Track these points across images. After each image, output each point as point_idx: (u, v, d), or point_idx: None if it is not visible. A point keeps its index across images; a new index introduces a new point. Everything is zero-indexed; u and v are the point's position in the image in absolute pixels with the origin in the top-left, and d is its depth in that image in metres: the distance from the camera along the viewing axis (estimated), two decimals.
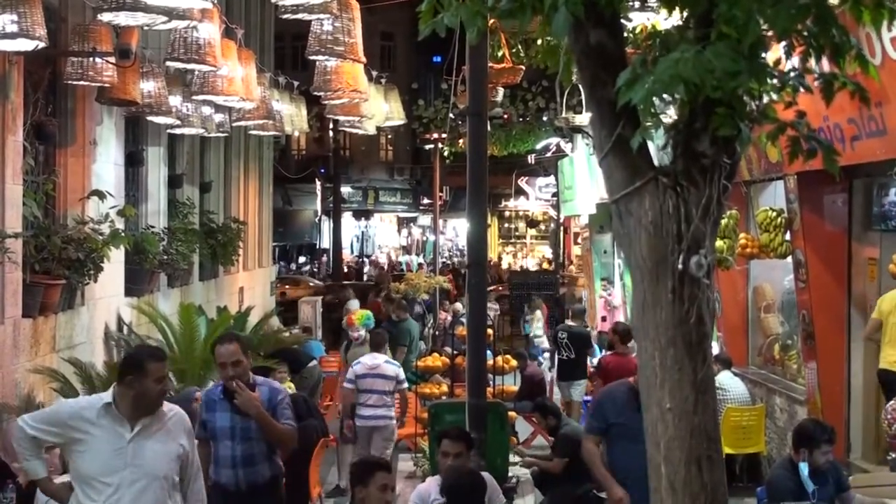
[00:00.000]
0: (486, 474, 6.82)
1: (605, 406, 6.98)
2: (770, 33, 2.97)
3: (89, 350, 9.99)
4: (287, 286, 31.45)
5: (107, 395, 5.13)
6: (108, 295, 10.59)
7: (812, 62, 3.10)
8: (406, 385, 10.94)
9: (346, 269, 36.67)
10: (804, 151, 3.17)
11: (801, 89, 3.18)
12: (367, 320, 13.60)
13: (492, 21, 6.17)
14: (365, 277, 35.70)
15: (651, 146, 3.34)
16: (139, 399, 5.08)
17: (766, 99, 3.19)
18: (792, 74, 3.15)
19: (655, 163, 3.36)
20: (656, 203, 3.25)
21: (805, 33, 2.99)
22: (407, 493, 8.49)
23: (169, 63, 8.18)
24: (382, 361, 10.76)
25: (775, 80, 3.10)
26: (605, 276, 20.45)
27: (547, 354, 17.80)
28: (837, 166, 3.19)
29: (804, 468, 6.91)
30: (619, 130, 3.28)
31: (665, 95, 3.06)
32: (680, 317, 3.24)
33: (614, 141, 3.31)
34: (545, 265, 35.74)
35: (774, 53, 3.22)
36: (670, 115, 3.40)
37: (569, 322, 14.98)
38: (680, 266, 3.21)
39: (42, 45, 6.93)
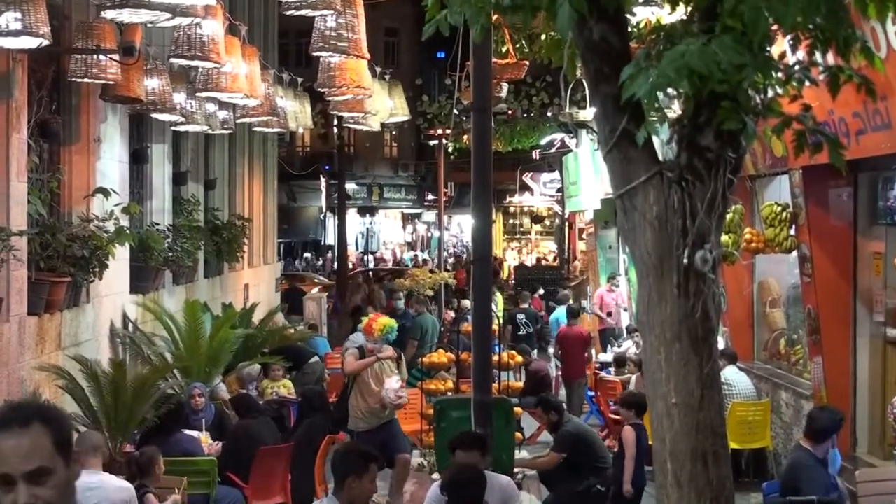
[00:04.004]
0: (505, 478, 6.78)
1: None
2: (775, 27, 2.95)
3: (95, 347, 10.00)
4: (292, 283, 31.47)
5: None
6: (113, 292, 10.59)
7: (817, 55, 3.08)
8: None
9: (351, 266, 36.65)
10: (810, 145, 3.16)
11: (807, 82, 3.17)
12: (389, 332, 10.60)
13: (495, 16, 6.15)
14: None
15: (656, 140, 3.33)
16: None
17: (770, 92, 3.18)
18: (797, 68, 3.14)
19: (660, 157, 3.35)
20: (661, 198, 3.24)
21: (811, 26, 2.98)
22: (413, 489, 8.49)
23: (173, 60, 8.18)
24: None
25: (780, 74, 3.08)
26: (612, 272, 20.38)
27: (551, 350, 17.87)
28: (843, 160, 3.17)
29: (837, 456, 7.06)
30: (624, 125, 3.27)
31: (669, 90, 3.05)
32: (685, 312, 3.23)
33: (619, 135, 3.30)
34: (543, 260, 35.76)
35: (778, 47, 3.20)
36: (674, 109, 3.39)
37: (522, 306, 18.11)
38: (685, 261, 3.20)
39: (46, 42, 6.93)
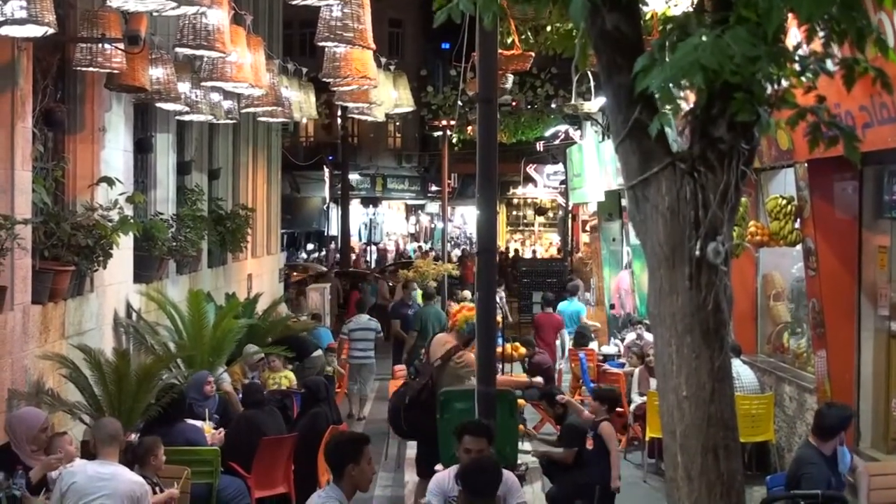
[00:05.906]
0: (507, 472, 6.77)
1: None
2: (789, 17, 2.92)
3: (98, 336, 10.00)
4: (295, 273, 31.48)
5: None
6: (117, 281, 10.59)
7: (832, 47, 3.05)
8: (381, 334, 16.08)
9: (354, 257, 36.66)
10: (825, 138, 3.13)
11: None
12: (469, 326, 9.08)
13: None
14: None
15: (668, 131, 3.31)
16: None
17: (784, 83, 3.15)
18: (811, 59, 3.11)
19: (672, 148, 3.32)
20: (673, 189, 3.22)
21: (826, 17, 2.95)
22: (417, 480, 8.48)
23: (178, 49, 8.15)
24: (366, 319, 15.87)
25: (796, 65, 3.06)
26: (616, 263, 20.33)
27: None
28: (859, 153, 3.15)
29: (847, 455, 7.06)
30: (637, 116, 3.24)
31: (682, 81, 3.02)
32: (697, 304, 3.21)
33: (631, 126, 3.28)
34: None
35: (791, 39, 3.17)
36: (684, 98, 3.36)
37: None
38: (697, 253, 3.18)
39: (51, 31, 6.89)
